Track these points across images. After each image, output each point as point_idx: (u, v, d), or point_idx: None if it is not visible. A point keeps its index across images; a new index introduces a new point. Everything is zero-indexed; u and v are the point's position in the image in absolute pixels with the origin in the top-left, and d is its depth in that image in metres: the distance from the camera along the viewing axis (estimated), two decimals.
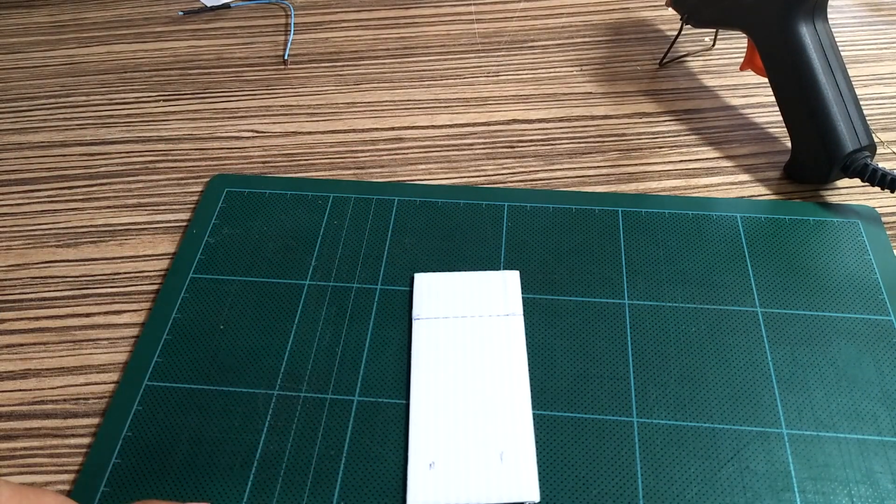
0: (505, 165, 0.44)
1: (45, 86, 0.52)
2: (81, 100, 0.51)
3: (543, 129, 0.46)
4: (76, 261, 0.41)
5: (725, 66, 0.50)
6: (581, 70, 0.50)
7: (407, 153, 0.45)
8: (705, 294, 0.37)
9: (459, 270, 0.38)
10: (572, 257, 0.39)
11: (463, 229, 0.40)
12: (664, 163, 0.44)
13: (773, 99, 0.47)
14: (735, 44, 0.52)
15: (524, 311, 0.36)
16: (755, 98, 0.48)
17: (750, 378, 0.33)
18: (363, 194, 0.42)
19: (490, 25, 0.55)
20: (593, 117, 0.47)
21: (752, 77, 0.49)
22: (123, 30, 0.57)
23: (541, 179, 0.43)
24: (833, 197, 0.41)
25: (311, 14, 0.57)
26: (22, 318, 0.38)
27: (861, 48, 0.51)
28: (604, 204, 0.41)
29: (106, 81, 0.52)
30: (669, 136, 0.45)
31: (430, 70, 0.51)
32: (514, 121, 0.47)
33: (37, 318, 0.38)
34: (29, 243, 0.42)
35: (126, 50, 0.55)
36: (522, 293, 0.37)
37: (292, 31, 0.55)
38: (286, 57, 0.53)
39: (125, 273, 0.40)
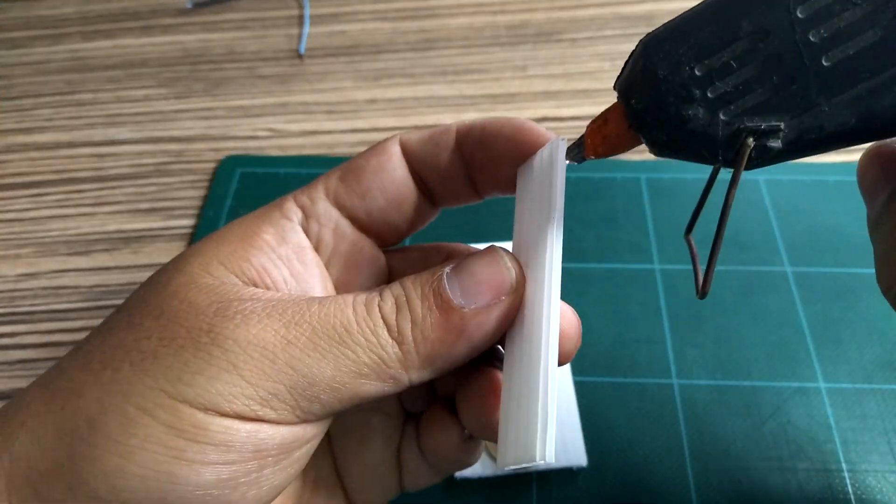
0: None
1: (50, 82, 0.50)
2: (88, 97, 0.48)
3: (576, 126, 0.44)
4: (89, 269, 0.39)
5: None
6: (612, 64, 0.48)
7: None
8: (734, 255, 0.37)
9: (485, 242, 0.37)
10: (599, 225, 0.38)
11: (488, 201, 0.39)
12: None
13: None
14: None
15: None
16: None
17: (785, 335, 0.34)
18: None
19: (514, 17, 0.53)
20: None
21: None
22: (129, 22, 0.54)
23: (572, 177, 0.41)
24: (847, 157, 0.41)
25: (325, 5, 0.55)
26: (34, 332, 0.36)
27: None
28: (625, 171, 0.41)
29: (113, 77, 0.50)
30: None
31: (453, 64, 0.49)
32: (545, 118, 0.45)
33: (49, 332, 0.36)
34: (38, 251, 0.40)
35: (133, 44, 0.52)
36: None
37: (307, 24, 0.53)
38: (302, 51, 0.51)
39: (141, 283, 0.38)
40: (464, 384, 0.19)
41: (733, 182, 0.15)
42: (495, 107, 0.46)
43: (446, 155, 0.20)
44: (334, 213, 0.20)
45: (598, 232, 0.38)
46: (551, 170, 0.18)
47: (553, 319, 0.17)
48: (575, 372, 0.33)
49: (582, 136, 0.18)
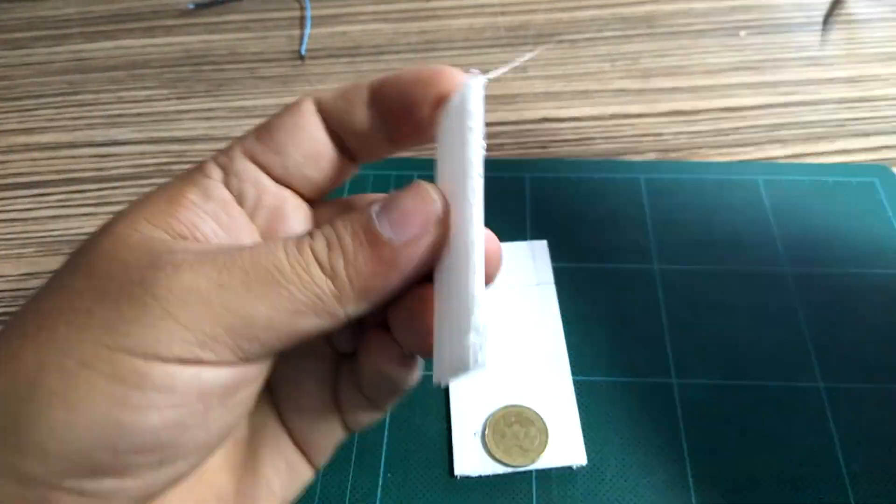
0: None
1: (52, 83, 0.50)
2: (90, 98, 0.49)
3: (576, 127, 0.44)
4: None
5: (762, 61, 0.48)
6: (613, 65, 0.48)
7: None
8: (734, 256, 0.37)
9: None
10: (598, 226, 0.38)
11: (486, 201, 0.40)
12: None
13: (817, 97, 0.45)
14: (771, 39, 0.50)
15: (555, 279, 0.36)
16: (797, 96, 0.46)
17: (784, 336, 0.33)
18: (382, 170, 0.42)
19: (515, 18, 0.53)
20: (628, 115, 0.45)
21: (792, 73, 0.47)
22: (131, 23, 0.54)
23: None
24: (847, 158, 0.41)
25: (327, 6, 0.55)
26: None
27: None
28: (625, 171, 0.41)
29: (115, 78, 0.50)
30: (709, 136, 0.44)
31: (454, 65, 0.49)
32: (546, 119, 0.45)
33: None
34: (41, 251, 0.40)
35: (135, 45, 0.53)
36: (552, 262, 0.37)
37: (308, 25, 0.53)
38: (303, 52, 0.51)
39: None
40: (395, 302, 0.19)
41: None
42: (497, 108, 0.46)
43: (359, 109, 0.20)
44: (252, 169, 0.20)
45: (597, 232, 0.38)
46: (466, 105, 0.18)
47: (478, 244, 0.17)
48: (575, 372, 0.33)
49: None
